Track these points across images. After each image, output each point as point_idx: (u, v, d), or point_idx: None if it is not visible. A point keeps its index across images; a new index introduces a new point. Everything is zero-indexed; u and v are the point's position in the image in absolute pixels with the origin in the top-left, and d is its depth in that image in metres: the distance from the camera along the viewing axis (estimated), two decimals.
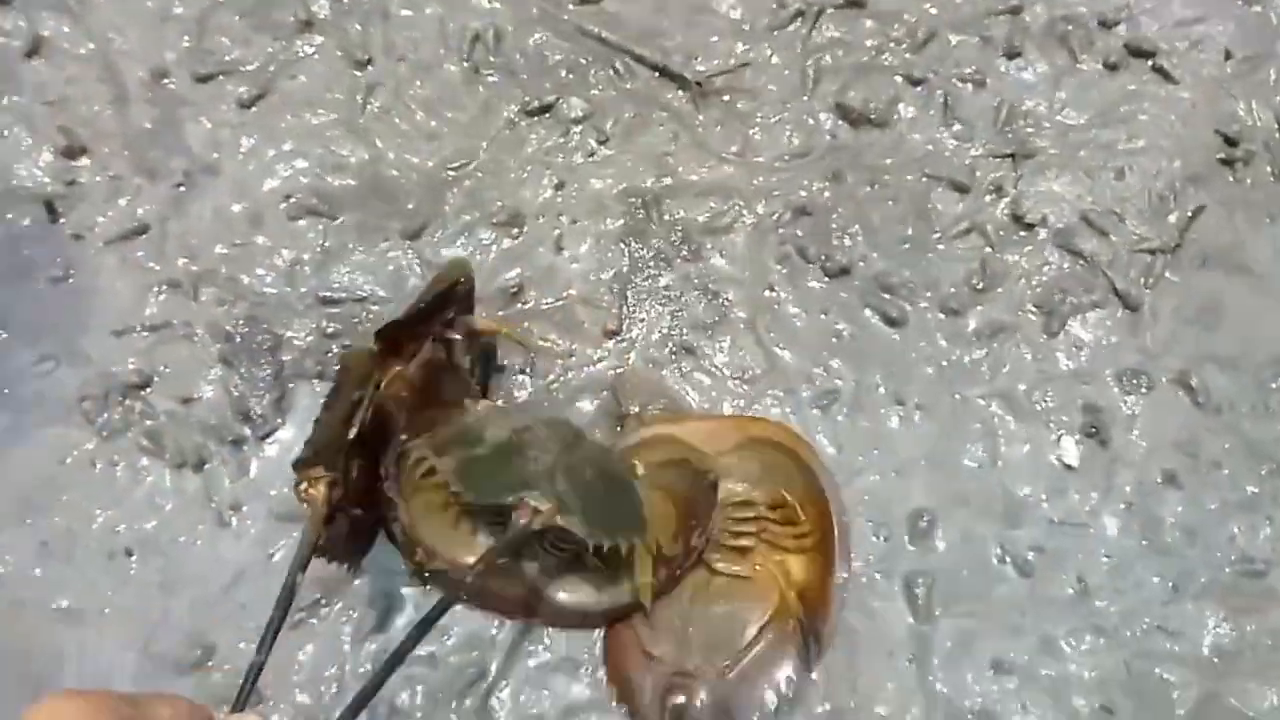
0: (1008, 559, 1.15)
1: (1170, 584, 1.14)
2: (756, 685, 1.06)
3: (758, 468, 1.14)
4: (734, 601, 1.09)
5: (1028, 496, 1.19)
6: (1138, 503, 1.18)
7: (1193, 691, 1.09)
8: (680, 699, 1.04)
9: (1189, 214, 1.32)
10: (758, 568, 1.11)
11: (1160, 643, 1.12)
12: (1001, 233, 1.32)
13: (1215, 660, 1.11)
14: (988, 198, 1.34)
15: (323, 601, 1.14)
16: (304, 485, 0.94)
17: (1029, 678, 1.10)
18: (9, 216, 1.34)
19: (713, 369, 1.25)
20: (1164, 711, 1.08)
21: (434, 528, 1.02)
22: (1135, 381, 1.24)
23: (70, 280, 1.32)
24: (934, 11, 1.42)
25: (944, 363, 1.26)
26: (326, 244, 1.32)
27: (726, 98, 1.38)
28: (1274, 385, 1.24)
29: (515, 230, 1.33)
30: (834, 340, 1.27)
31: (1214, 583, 1.14)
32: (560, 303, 1.30)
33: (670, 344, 1.26)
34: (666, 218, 1.33)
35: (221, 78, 1.39)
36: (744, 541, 1.11)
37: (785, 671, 1.07)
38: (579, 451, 1.04)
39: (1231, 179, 1.35)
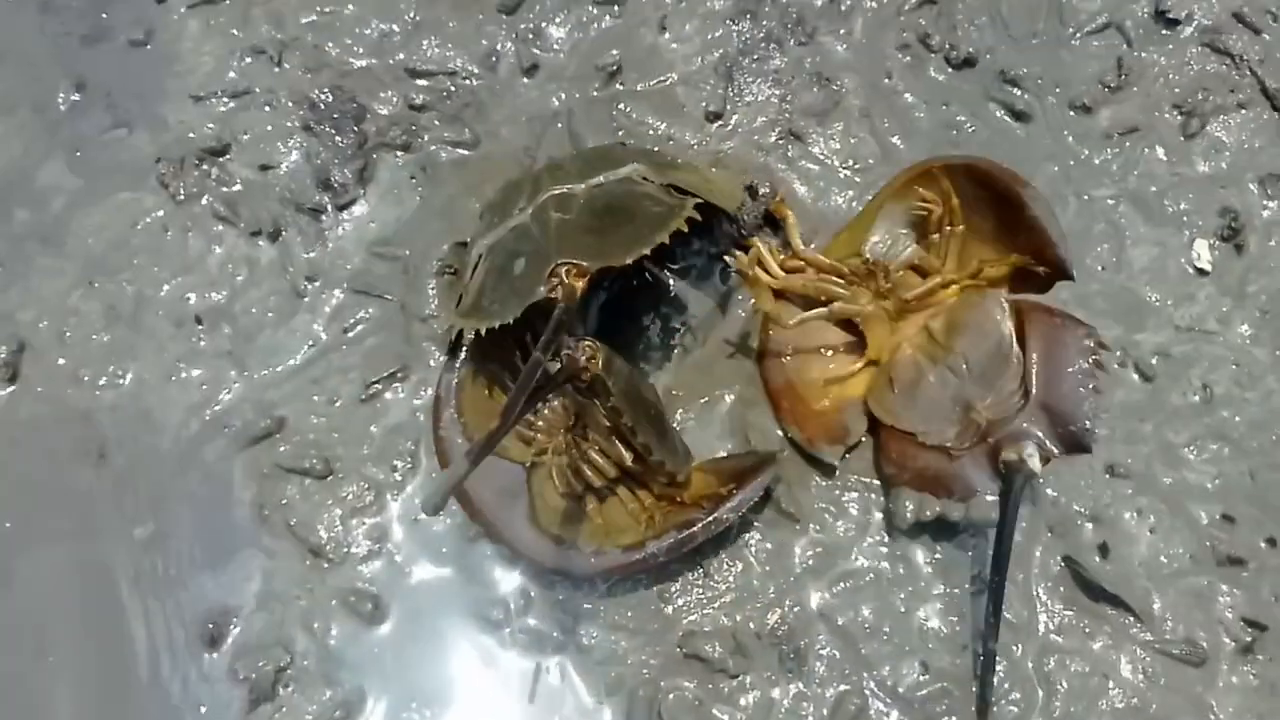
0: (1130, 363, 1.09)
1: None
2: (1063, 373, 0.96)
3: None
4: (967, 331, 0.99)
5: (1154, 300, 1.12)
6: (1273, 311, 1.11)
7: None
8: (1010, 454, 0.93)
9: None
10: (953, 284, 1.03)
11: None
12: (1141, 30, 1.23)
13: None
14: None
15: (399, 375, 1.10)
16: (568, 270, 0.90)
17: (1146, 484, 1.04)
18: None
19: (822, 157, 1.18)
20: None
21: None
22: (1279, 187, 1.15)
23: (150, 45, 1.27)
24: None
25: (1071, 161, 1.18)
26: (418, 16, 1.26)
27: None
28: None
29: (617, 7, 1.25)
30: (954, 133, 1.19)
31: None
32: (660, 85, 1.22)
33: (777, 130, 1.19)
34: None
35: None
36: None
37: (1075, 335, 0.98)
38: None
39: None
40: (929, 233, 1.04)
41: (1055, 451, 0.94)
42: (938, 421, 0.98)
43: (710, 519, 0.94)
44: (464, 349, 1.01)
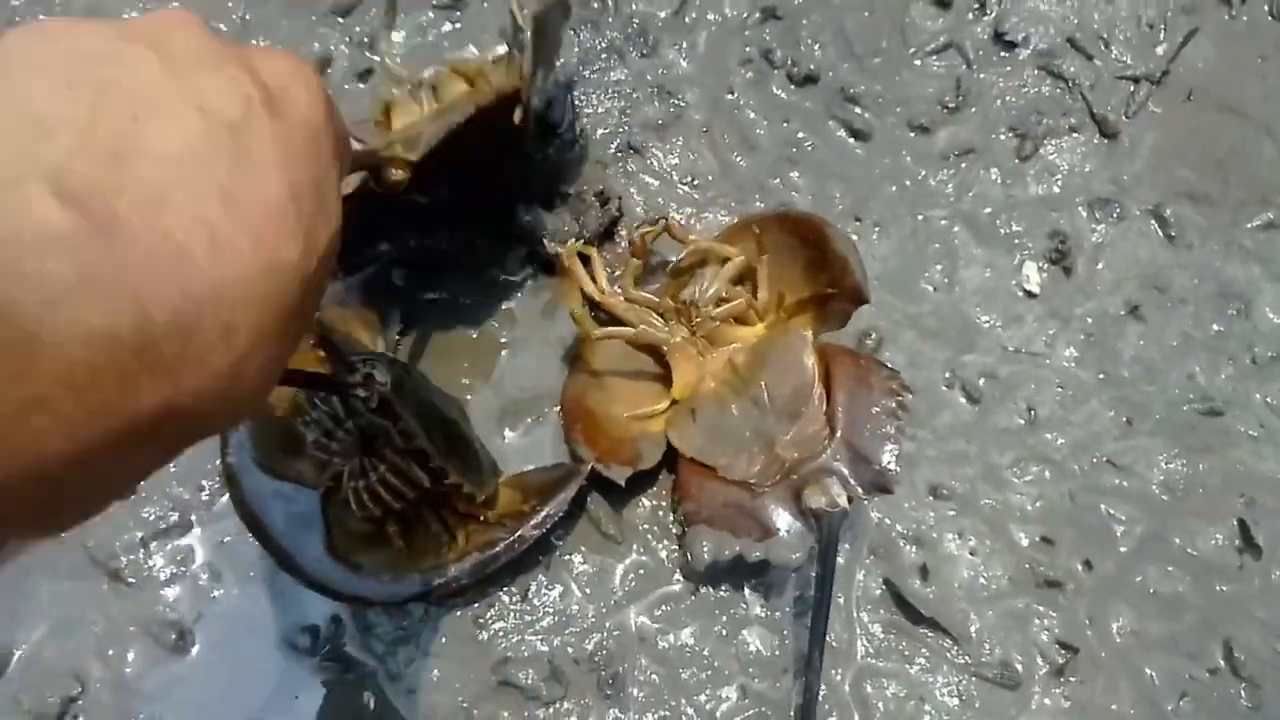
0: (957, 384, 1.09)
1: (1124, 419, 1.09)
2: (867, 413, 0.93)
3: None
4: (770, 365, 0.96)
5: (984, 322, 1.12)
6: (1097, 334, 1.12)
7: (1138, 527, 1.05)
8: (816, 498, 0.90)
9: (1178, 44, 1.23)
10: (759, 323, 1.02)
11: (1108, 477, 1.07)
12: (980, 51, 1.23)
13: (1164, 498, 1.06)
14: (969, 14, 1.25)
15: None
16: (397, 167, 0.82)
17: (968, 506, 1.05)
18: None
19: (661, 171, 1.16)
20: (1107, 545, 1.04)
21: None
22: (1106, 211, 1.17)
23: None
24: None
25: (907, 181, 1.18)
26: (248, 15, 1.21)
27: None
28: (1250, 225, 1.18)
29: (457, 13, 1.22)
30: (794, 150, 1.18)
31: (1169, 420, 1.09)
32: None
33: (617, 142, 1.17)
34: (624, 9, 1.22)
35: None
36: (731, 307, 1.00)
37: (879, 376, 0.94)
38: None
39: (1227, 15, 1.27)
40: (740, 280, 1.03)
41: (859, 492, 0.91)
42: (739, 455, 0.96)
43: (514, 538, 0.91)
44: None
